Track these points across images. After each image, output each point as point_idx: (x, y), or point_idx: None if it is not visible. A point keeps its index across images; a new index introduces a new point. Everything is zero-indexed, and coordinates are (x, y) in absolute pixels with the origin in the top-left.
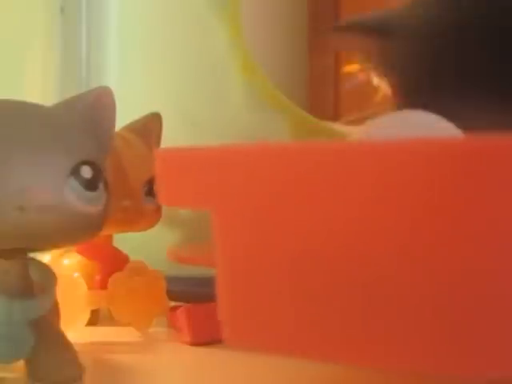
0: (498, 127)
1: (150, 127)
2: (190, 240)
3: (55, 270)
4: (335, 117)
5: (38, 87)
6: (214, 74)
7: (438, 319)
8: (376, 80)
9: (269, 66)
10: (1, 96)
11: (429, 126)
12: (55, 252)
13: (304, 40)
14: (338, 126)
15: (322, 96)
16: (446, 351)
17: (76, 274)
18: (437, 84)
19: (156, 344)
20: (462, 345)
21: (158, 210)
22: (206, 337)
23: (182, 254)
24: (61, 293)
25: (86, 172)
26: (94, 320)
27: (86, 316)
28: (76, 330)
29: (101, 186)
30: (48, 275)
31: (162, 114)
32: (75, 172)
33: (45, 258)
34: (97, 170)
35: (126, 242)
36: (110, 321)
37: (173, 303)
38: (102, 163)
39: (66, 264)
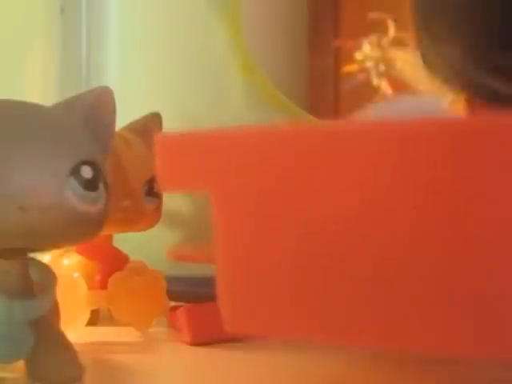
0: None
1: (149, 127)
2: (190, 240)
3: (55, 270)
4: (335, 117)
5: (38, 87)
6: (214, 74)
7: (441, 301)
8: (376, 80)
9: (269, 66)
10: (1, 96)
11: (429, 110)
12: (55, 252)
13: (304, 40)
14: None
15: (322, 96)
16: (449, 332)
17: (76, 274)
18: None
19: (156, 344)
20: (465, 326)
21: (158, 209)
22: (206, 337)
23: (182, 252)
24: (61, 293)
25: (86, 172)
26: (94, 320)
27: (86, 316)
28: (76, 330)
29: (101, 186)
30: (48, 275)
31: (162, 114)
32: (75, 172)
33: (45, 258)
34: (97, 169)
35: (126, 241)
36: (110, 321)
37: (173, 303)
38: (102, 163)
39: (65, 264)
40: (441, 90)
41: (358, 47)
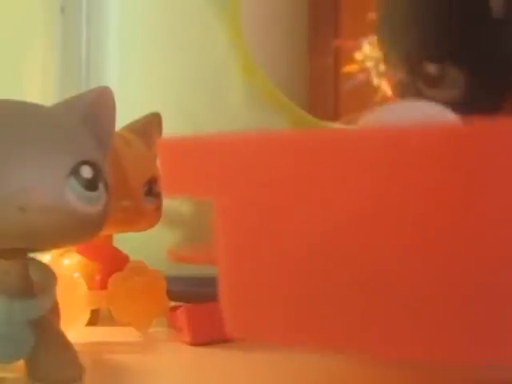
0: None
1: (149, 127)
2: (190, 240)
3: (55, 270)
4: (335, 117)
5: (38, 87)
6: (214, 74)
7: (439, 309)
8: (376, 80)
9: (269, 66)
10: (1, 96)
11: (428, 115)
12: (55, 252)
13: (304, 40)
14: (338, 126)
15: (322, 96)
16: (446, 340)
17: (76, 274)
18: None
19: (156, 344)
20: (461, 334)
21: (158, 209)
22: (206, 337)
23: (182, 253)
24: (61, 293)
25: (86, 172)
26: (94, 320)
27: (86, 316)
28: (76, 330)
29: (101, 186)
30: (48, 275)
31: (162, 114)
32: (75, 172)
33: (45, 258)
34: (97, 170)
35: (126, 242)
36: (110, 321)
37: (173, 303)
38: (102, 163)
39: (66, 264)
40: None
41: (358, 47)
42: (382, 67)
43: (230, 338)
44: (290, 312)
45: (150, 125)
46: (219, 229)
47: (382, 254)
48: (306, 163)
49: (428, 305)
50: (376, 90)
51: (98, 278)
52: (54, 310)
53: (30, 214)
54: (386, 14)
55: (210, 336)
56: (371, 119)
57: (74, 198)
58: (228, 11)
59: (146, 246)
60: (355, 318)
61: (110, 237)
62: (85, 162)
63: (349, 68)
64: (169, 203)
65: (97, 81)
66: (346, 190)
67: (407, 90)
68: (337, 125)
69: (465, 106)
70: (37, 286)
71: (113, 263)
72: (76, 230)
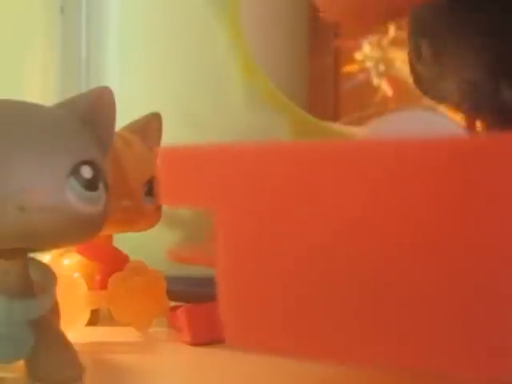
0: None
1: (150, 127)
2: (190, 240)
3: (55, 270)
4: (335, 117)
5: (38, 87)
6: (215, 74)
7: (440, 317)
8: (376, 80)
9: (269, 66)
10: (1, 96)
11: (431, 124)
12: (55, 252)
13: (304, 40)
14: (337, 126)
15: (321, 96)
16: (447, 349)
17: (76, 274)
18: None
19: (156, 344)
20: (463, 343)
21: (158, 209)
22: (206, 337)
23: (182, 254)
24: (61, 293)
25: (86, 172)
26: (94, 320)
27: (86, 316)
28: (76, 330)
29: (101, 186)
30: (48, 275)
31: (162, 114)
32: (75, 172)
33: (45, 258)
34: (97, 169)
35: (126, 242)
36: (110, 321)
37: (173, 303)
38: (102, 163)
39: (66, 264)
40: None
41: (358, 47)
42: (382, 67)
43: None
44: (290, 321)
45: (150, 125)
46: (219, 238)
47: (383, 264)
48: (306, 174)
49: (430, 314)
50: (376, 89)
51: (97, 278)
52: (54, 310)
53: (30, 213)
54: None
55: (209, 336)
56: (371, 130)
57: (74, 197)
58: (228, 11)
59: (146, 245)
60: (357, 326)
61: (110, 237)
62: (85, 162)
63: (349, 68)
64: None
65: (97, 81)
66: (346, 201)
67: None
68: (337, 125)
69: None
70: (37, 285)
71: (113, 263)
72: (76, 230)
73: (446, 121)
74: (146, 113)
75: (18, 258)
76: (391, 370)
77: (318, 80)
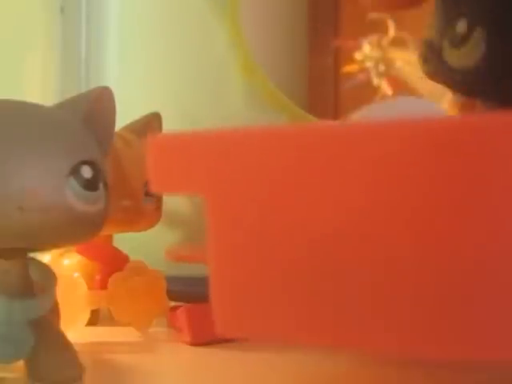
0: None
1: (150, 127)
2: (190, 240)
3: (55, 270)
4: (335, 117)
5: (38, 87)
6: (214, 73)
7: (437, 305)
8: (376, 80)
9: (269, 66)
10: (1, 96)
11: (415, 110)
12: (55, 252)
13: (304, 40)
14: None
15: (321, 96)
16: (445, 336)
17: (76, 274)
18: None
19: (156, 344)
20: (460, 330)
21: (158, 209)
22: (206, 337)
23: (181, 253)
24: (61, 293)
25: (86, 172)
26: (94, 320)
27: (86, 316)
28: (76, 330)
29: (101, 186)
30: (48, 275)
31: (161, 114)
32: (75, 172)
33: (45, 258)
34: (97, 169)
35: (126, 242)
36: (110, 321)
37: (173, 303)
38: (102, 163)
39: (66, 264)
40: (439, 90)
41: (358, 47)
42: (382, 67)
43: (230, 338)
44: (281, 310)
45: (150, 125)
46: (210, 225)
47: (378, 252)
48: (299, 158)
49: (426, 302)
50: (376, 89)
51: (97, 278)
52: (54, 310)
53: (30, 213)
54: None
55: (209, 336)
56: (360, 116)
57: (74, 197)
58: (228, 11)
59: (146, 245)
60: (347, 316)
61: (110, 237)
62: (85, 162)
63: (349, 68)
64: (169, 203)
65: (96, 81)
66: (340, 186)
67: (432, 53)
68: None
69: (483, 73)
70: (37, 286)
71: (113, 263)
72: (76, 230)
73: (434, 106)
74: (145, 113)
75: (18, 258)
76: (389, 365)
77: (318, 80)
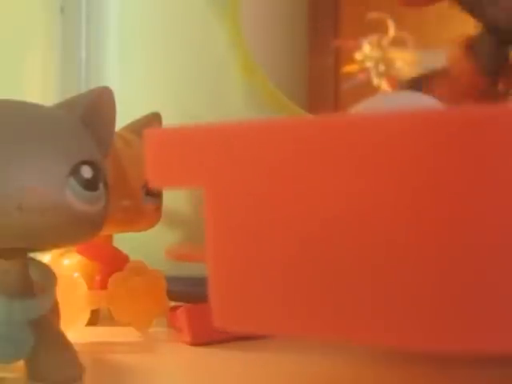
0: None
1: (149, 127)
2: (190, 240)
3: (55, 270)
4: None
5: (38, 87)
6: (214, 73)
7: (437, 299)
8: (376, 80)
9: (269, 65)
10: (1, 96)
11: (416, 103)
12: (55, 252)
13: (304, 40)
14: None
15: (321, 96)
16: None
17: (76, 274)
18: None
19: (156, 344)
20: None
21: (158, 209)
22: (206, 337)
23: (181, 252)
24: (61, 293)
25: (86, 172)
26: (94, 320)
27: (86, 316)
28: (76, 330)
29: (101, 185)
30: (48, 275)
31: (162, 114)
32: (75, 172)
33: (45, 258)
34: (97, 169)
35: (126, 242)
36: (110, 321)
37: (173, 303)
38: (102, 163)
39: (66, 264)
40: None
41: (358, 47)
42: (382, 67)
43: (229, 337)
44: (279, 304)
45: (150, 125)
46: (209, 218)
47: (379, 242)
48: (299, 151)
49: (427, 295)
50: (376, 89)
51: (98, 278)
52: (54, 310)
53: (29, 213)
54: None
55: (209, 336)
56: (360, 108)
57: (74, 197)
58: (228, 11)
59: (146, 245)
60: (351, 308)
61: (110, 237)
62: (85, 162)
63: (349, 68)
64: (169, 203)
65: (96, 81)
66: (340, 179)
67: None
68: None
69: None
70: (37, 286)
71: (113, 263)
72: (76, 230)
73: (432, 100)
74: (145, 113)
75: (18, 258)
76: (389, 366)
77: (318, 80)
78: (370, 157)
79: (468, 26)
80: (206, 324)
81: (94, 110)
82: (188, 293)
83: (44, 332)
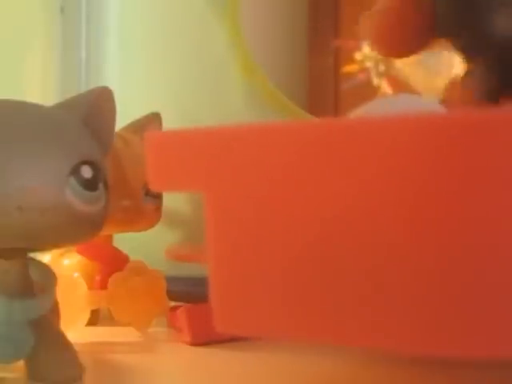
0: None
1: (150, 127)
2: (190, 240)
3: (55, 270)
4: (335, 117)
5: (38, 87)
6: (214, 74)
7: (433, 302)
8: (376, 80)
9: (269, 65)
10: (1, 96)
11: (415, 107)
12: (55, 252)
13: (304, 40)
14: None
15: (321, 96)
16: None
17: (76, 274)
18: None
19: (156, 344)
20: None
21: (158, 209)
22: (206, 337)
23: (181, 252)
24: (61, 293)
25: (86, 172)
26: (94, 320)
27: (86, 316)
28: (76, 330)
29: (101, 185)
30: (48, 275)
31: (161, 114)
32: (75, 172)
33: (45, 258)
34: (97, 169)
35: (126, 242)
36: (110, 321)
37: (173, 303)
38: (102, 163)
39: (66, 264)
40: (438, 89)
41: (358, 47)
42: (382, 67)
43: (230, 338)
44: (280, 307)
45: (150, 125)
46: (210, 222)
47: (375, 249)
48: (299, 154)
49: (425, 299)
50: (376, 89)
51: (98, 278)
52: (54, 310)
53: (29, 213)
54: None
55: (209, 336)
56: (360, 112)
57: (74, 197)
58: (227, 11)
59: (146, 245)
60: (351, 312)
61: (109, 237)
62: (85, 162)
63: (349, 68)
64: (169, 203)
65: (96, 81)
66: (340, 183)
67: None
68: None
69: None
70: (37, 286)
71: (113, 263)
72: (76, 230)
73: (432, 104)
74: (145, 113)
75: (18, 258)
76: (388, 366)
77: (318, 80)
78: (370, 161)
79: None
80: (206, 324)
81: (94, 109)
82: (188, 293)
83: (44, 332)
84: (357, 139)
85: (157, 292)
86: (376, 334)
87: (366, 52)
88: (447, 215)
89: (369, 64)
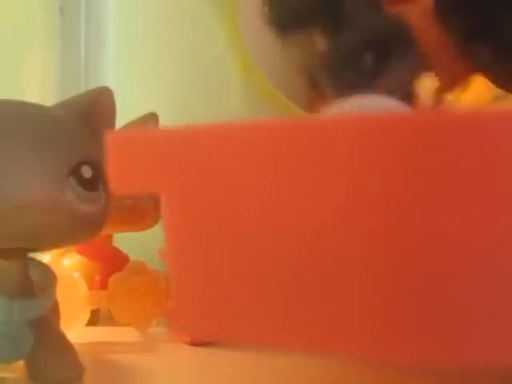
0: None
1: (147, 127)
2: None
3: (55, 270)
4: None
5: (38, 87)
6: (213, 73)
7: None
8: None
9: (268, 65)
10: (1, 96)
11: (382, 107)
12: (55, 252)
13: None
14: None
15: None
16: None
17: (76, 274)
18: None
19: (156, 344)
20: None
21: (158, 209)
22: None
23: None
24: (61, 293)
25: (86, 172)
26: (94, 320)
27: (86, 316)
28: (76, 330)
29: (101, 185)
30: (48, 275)
31: (160, 114)
32: (75, 172)
33: (45, 258)
34: (96, 169)
35: (126, 242)
36: (110, 321)
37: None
38: (102, 163)
39: (66, 264)
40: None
41: None
42: None
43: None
44: (241, 310)
45: (147, 125)
46: (168, 224)
47: (339, 252)
48: (260, 155)
49: (402, 306)
50: None
51: (98, 278)
52: (54, 310)
53: (29, 213)
54: None
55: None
56: (331, 111)
57: (74, 197)
58: (227, 10)
59: (146, 246)
60: (322, 317)
61: (110, 237)
62: (85, 162)
63: None
64: None
65: (95, 81)
66: (302, 183)
67: None
68: None
69: None
70: (37, 285)
71: (113, 263)
72: (76, 230)
73: (397, 103)
74: (143, 113)
75: (18, 258)
76: (379, 367)
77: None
78: (334, 160)
79: None
80: None
81: (93, 109)
82: None
83: (44, 332)
84: (319, 138)
85: (157, 292)
86: (350, 340)
87: None
88: (423, 218)
89: None
